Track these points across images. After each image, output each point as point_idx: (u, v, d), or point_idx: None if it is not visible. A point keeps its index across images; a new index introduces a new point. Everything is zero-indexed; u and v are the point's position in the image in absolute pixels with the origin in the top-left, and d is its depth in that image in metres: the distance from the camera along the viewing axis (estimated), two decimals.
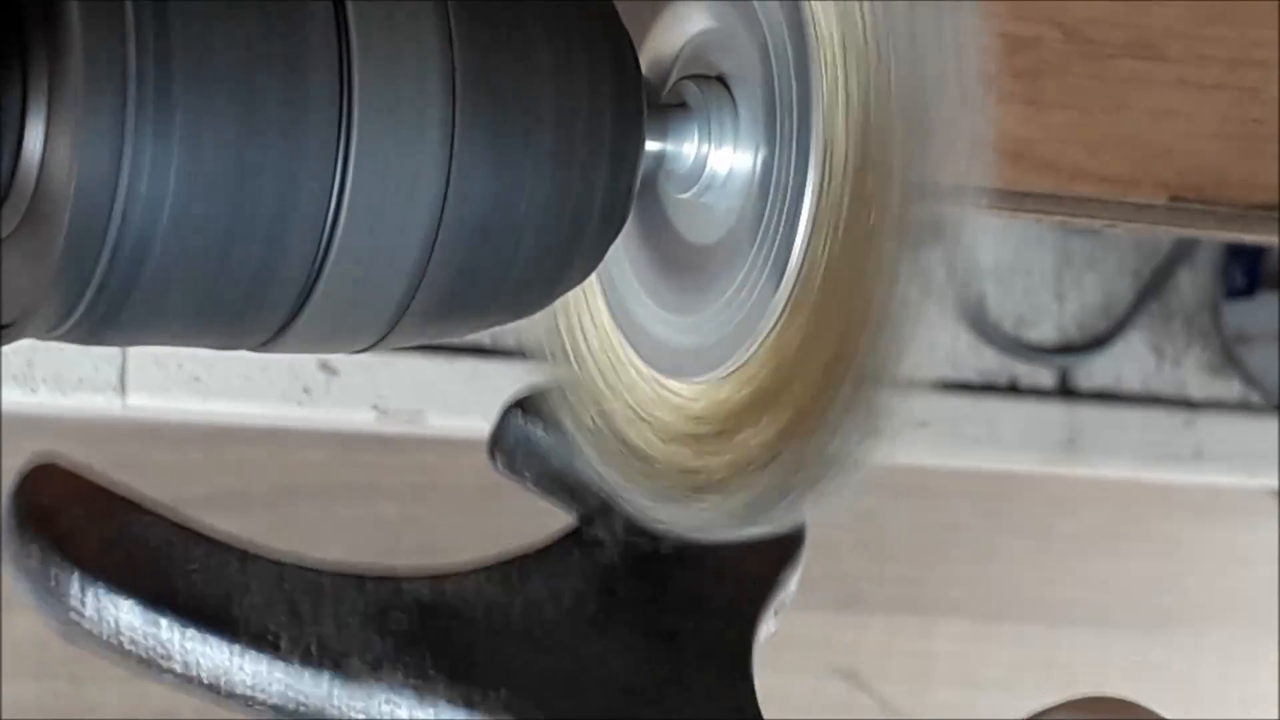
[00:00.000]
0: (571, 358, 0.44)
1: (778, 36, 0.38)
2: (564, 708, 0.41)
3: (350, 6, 0.34)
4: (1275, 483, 1.14)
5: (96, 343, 0.35)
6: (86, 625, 0.41)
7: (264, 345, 0.36)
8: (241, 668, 0.42)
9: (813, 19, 0.37)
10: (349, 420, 1.11)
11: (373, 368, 1.08)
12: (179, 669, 0.42)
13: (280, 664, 0.41)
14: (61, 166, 0.33)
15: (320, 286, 0.35)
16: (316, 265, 0.35)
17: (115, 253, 0.33)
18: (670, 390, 0.41)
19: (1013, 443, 1.10)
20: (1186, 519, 1.28)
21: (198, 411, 1.08)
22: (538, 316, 0.42)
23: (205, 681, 0.42)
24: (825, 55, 0.37)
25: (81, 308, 0.34)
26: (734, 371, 0.39)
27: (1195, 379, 1.16)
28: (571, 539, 0.45)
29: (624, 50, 0.37)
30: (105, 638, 0.41)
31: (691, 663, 0.43)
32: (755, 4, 0.38)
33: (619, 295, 0.42)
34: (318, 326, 0.36)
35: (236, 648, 0.42)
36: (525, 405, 0.47)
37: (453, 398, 0.99)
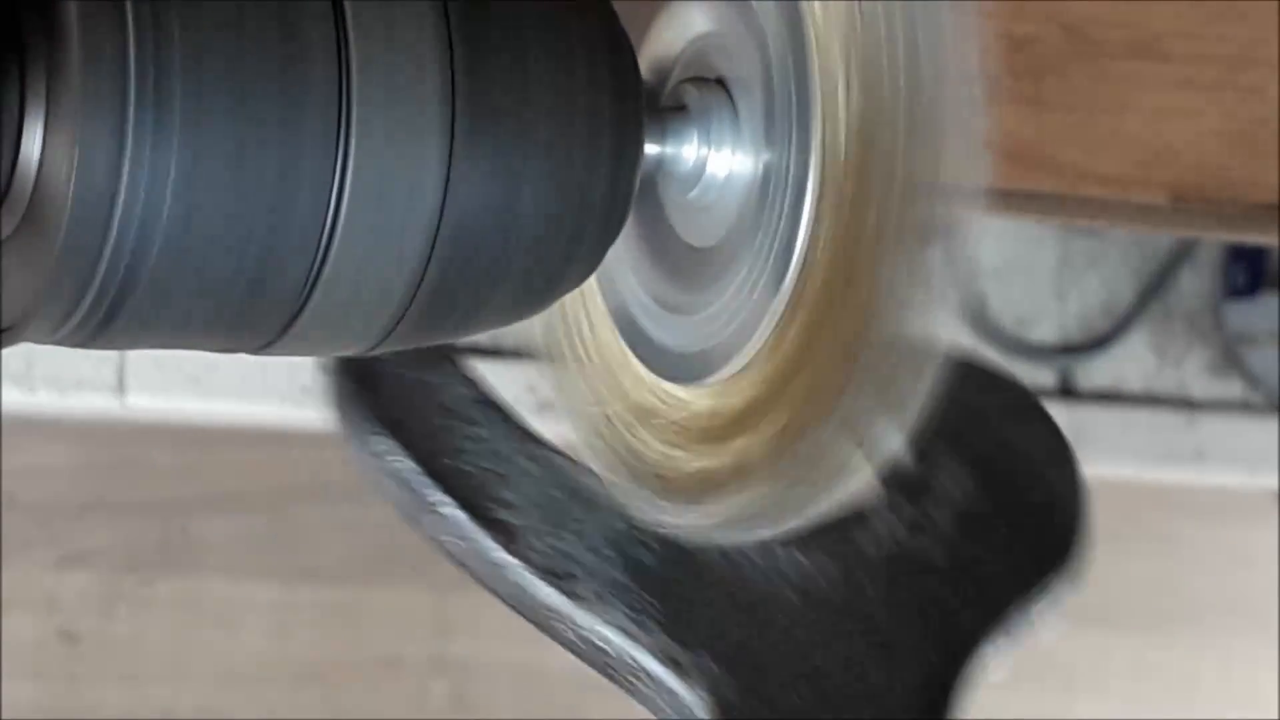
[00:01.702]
0: (571, 360, 0.44)
1: (777, 38, 0.38)
2: (758, 690, 0.40)
3: (349, 8, 0.34)
4: (1276, 483, 1.14)
5: (96, 346, 0.35)
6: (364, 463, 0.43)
7: (263, 348, 0.36)
8: (484, 553, 0.42)
9: (811, 21, 0.37)
10: None
11: None
12: (429, 529, 0.43)
13: (515, 563, 0.42)
14: (60, 169, 0.33)
15: (319, 290, 0.35)
16: (315, 268, 0.35)
17: (114, 256, 0.33)
18: (671, 393, 0.41)
19: None
20: (1187, 519, 1.28)
21: (197, 411, 1.08)
22: (537, 319, 0.42)
23: (450, 551, 0.42)
24: (824, 57, 0.37)
25: (80, 311, 0.34)
26: (735, 374, 0.39)
27: (1196, 379, 1.16)
28: (852, 524, 0.44)
29: (623, 53, 0.37)
30: (381, 477, 0.43)
31: (900, 676, 0.42)
32: (755, 5, 0.38)
33: (619, 298, 0.42)
34: (317, 330, 0.36)
35: (480, 529, 0.42)
36: None
37: None
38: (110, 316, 0.34)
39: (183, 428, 1.16)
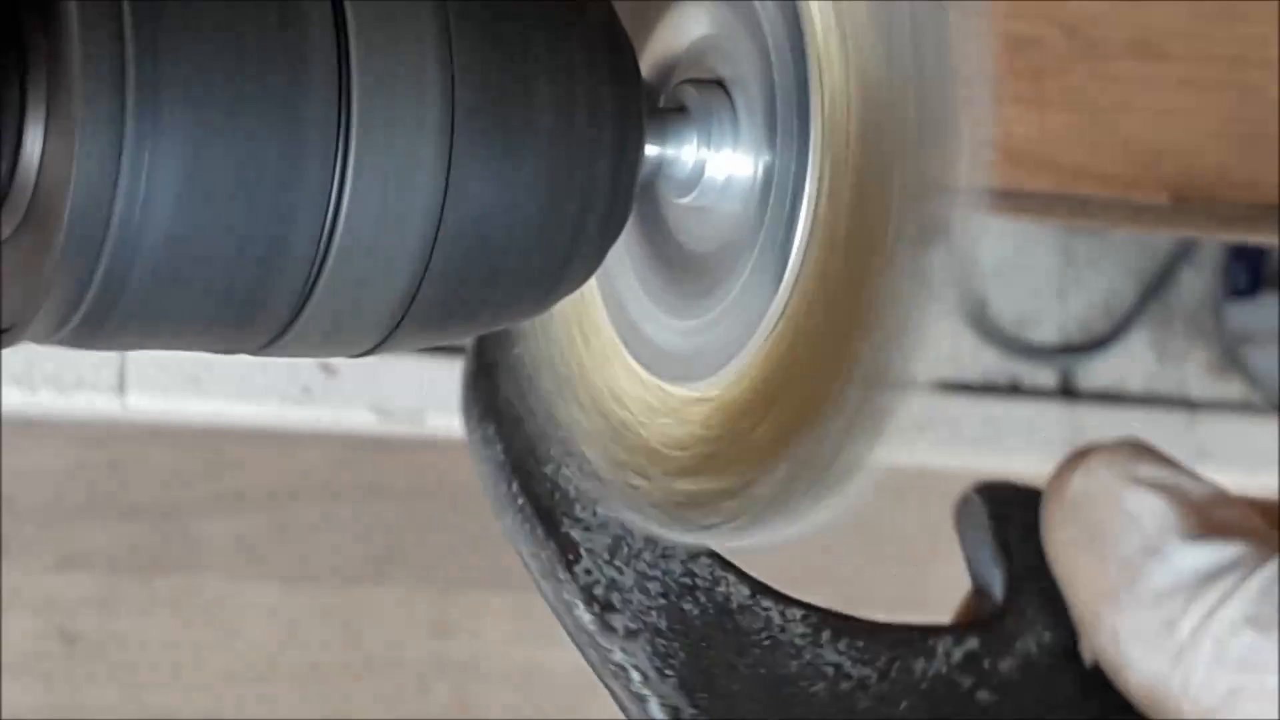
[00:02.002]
0: (569, 363, 0.44)
1: (778, 39, 0.38)
2: None
3: (349, 8, 0.34)
4: (1276, 483, 1.14)
5: (95, 346, 0.35)
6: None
7: (263, 349, 0.36)
8: (545, 563, 0.42)
9: (811, 21, 0.37)
10: (349, 420, 1.11)
11: (373, 368, 1.08)
12: (506, 526, 0.43)
13: (567, 579, 0.41)
14: (60, 170, 0.33)
15: (319, 290, 0.35)
16: (315, 269, 0.35)
17: (113, 257, 0.33)
18: (670, 396, 0.41)
19: (1014, 443, 1.10)
20: None
21: (197, 412, 1.08)
22: (536, 321, 0.42)
23: (519, 551, 0.42)
24: (824, 58, 0.37)
25: (80, 312, 0.34)
26: (735, 376, 0.39)
27: (1197, 379, 1.16)
28: (909, 641, 0.42)
29: (624, 54, 0.37)
30: (480, 464, 0.43)
31: None
32: (756, 6, 0.38)
33: (618, 300, 0.42)
34: (317, 330, 0.36)
35: (548, 538, 0.42)
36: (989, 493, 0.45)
37: (453, 398, 0.99)
38: (109, 317, 0.34)
39: (183, 428, 1.16)
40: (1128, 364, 1.14)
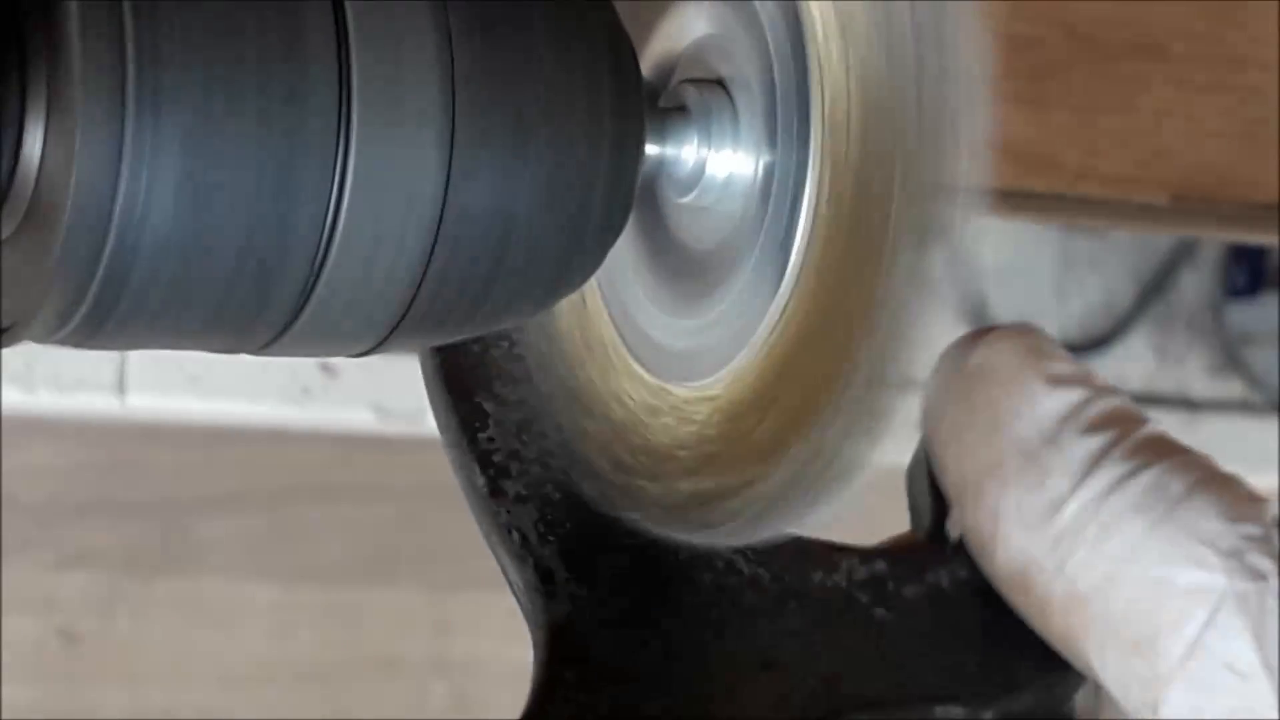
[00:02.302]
0: (570, 363, 0.44)
1: (778, 39, 0.38)
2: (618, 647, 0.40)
3: (350, 8, 0.34)
4: (1276, 483, 1.14)
5: (96, 346, 0.35)
6: None
7: (263, 348, 0.36)
8: (451, 430, 0.43)
9: (812, 20, 0.37)
10: (349, 420, 1.11)
11: (373, 368, 1.08)
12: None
13: (466, 446, 0.42)
14: (60, 169, 0.33)
15: (319, 289, 0.35)
16: (316, 268, 0.35)
17: (113, 256, 0.33)
18: (671, 395, 0.41)
19: None
20: None
21: (197, 411, 1.08)
22: (535, 320, 0.42)
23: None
24: (824, 57, 0.37)
25: (80, 311, 0.34)
26: (735, 375, 0.39)
27: (1197, 379, 1.16)
28: (824, 553, 0.41)
29: (624, 54, 0.37)
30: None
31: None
32: (757, 5, 0.38)
33: (619, 299, 0.42)
34: (317, 329, 0.36)
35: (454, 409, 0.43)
36: None
37: None
38: (110, 317, 0.34)
39: (183, 428, 1.17)
40: (1127, 364, 1.14)
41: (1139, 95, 0.59)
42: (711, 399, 0.39)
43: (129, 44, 0.32)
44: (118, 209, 0.33)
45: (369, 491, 1.25)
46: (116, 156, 0.32)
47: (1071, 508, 0.38)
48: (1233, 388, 1.15)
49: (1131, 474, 0.38)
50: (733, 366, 0.39)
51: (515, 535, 0.41)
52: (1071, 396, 0.39)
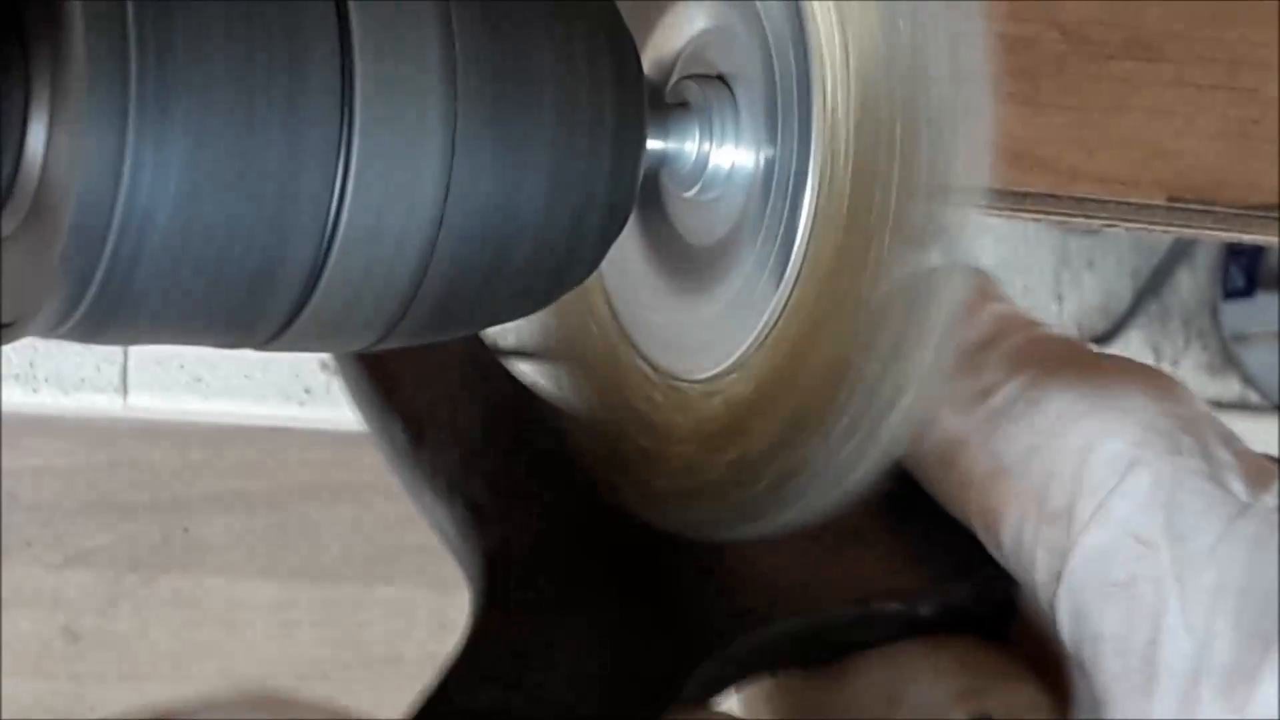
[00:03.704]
0: (573, 357, 0.44)
1: (779, 35, 0.38)
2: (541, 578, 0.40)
3: (352, 6, 0.34)
4: None
5: (98, 341, 0.35)
6: None
7: (266, 344, 0.36)
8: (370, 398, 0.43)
9: (812, 17, 0.37)
10: (349, 420, 1.11)
11: None
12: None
13: (384, 407, 0.43)
14: (63, 167, 0.33)
15: (321, 286, 0.35)
16: (318, 266, 0.35)
17: (116, 252, 0.33)
18: (673, 389, 0.41)
19: None
20: None
21: (198, 411, 1.08)
22: (538, 316, 0.42)
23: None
24: (826, 54, 0.37)
25: (83, 307, 0.34)
26: (736, 370, 0.39)
27: (1194, 379, 1.16)
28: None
29: (626, 50, 0.37)
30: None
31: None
32: (757, 3, 0.39)
33: (621, 294, 0.43)
34: (320, 326, 0.36)
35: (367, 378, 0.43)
36: None
37: None
38: (112, 312, 0.34)
39: (184, 427, 1.17)
40: None
41: (1135, 95, 0.59)
42: (713, 392, 0.40)
43: (132, 42, 0.33)
44: (120, 206, 0.33)
45: (369, 491, 1.25)
46: (119, 154, 0.32)
47: (1005, 390, 0.38)
48: (1230, 387, 1.15)
49: (1064, 365, 0.39)
50: (734, 360, 0.39)
51: (440, 478, 0.42)
52: (1011, 313, 0.40)
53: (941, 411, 0.39)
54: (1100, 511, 0.37)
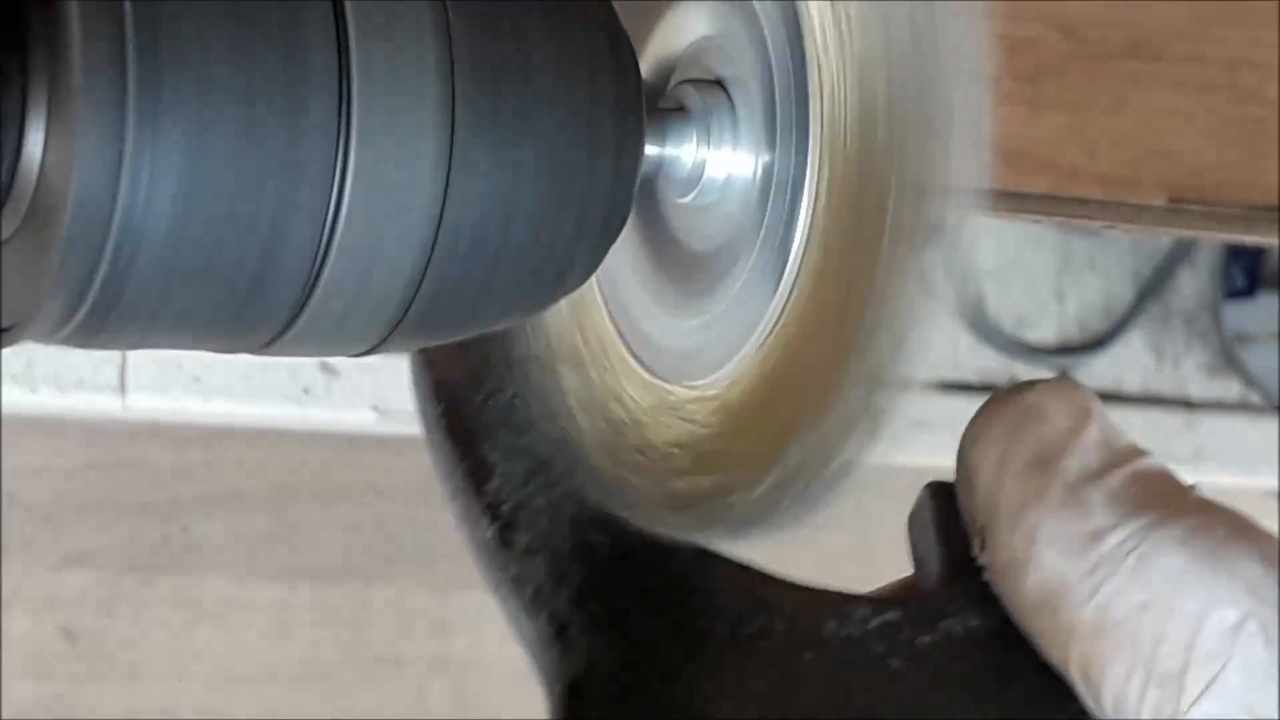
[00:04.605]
0: (569, 363, 0.44)
1: (777, 40, 0.38)
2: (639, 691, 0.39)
3: (350, 7, 0.34)
4: (1275, 483, 1.14)
5: (96, 346, 0.35)
6: None
7: (264, 348, 0.36)
8: (457, 480, 0.42)
9: (810, 21, 0.37)
10: (349, 420, 1.11)
11: (373, 368, 1.08)
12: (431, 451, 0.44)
13: (471, 493, 0.42)
14: (61, 170, 0.33)
15: (320, 289, 0.35)
16: (316, 268, 0.35)
17: (114, 256, 0.33)
18: (670, 394, 0.41)
19: None
20: None
21: (198, 411, 1.08)
22: (536, 319, 0.42)
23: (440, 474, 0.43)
24: (823, 58, 0.37)
25: (81, 311, 0.34)
26: (734, 375, 0.39)
27: (1195, 380, 1.16)
28: (836, 603, 0.41)
29: (624, 54, 0.37)
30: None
31: None
32: (755, 6, 0.38)
33: (618, 299, 0.42)
34: (318, 329, 0.36)
35: (460, 460, 0.42)
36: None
37: None
38: (111, 317, 0.34)
39: (183, 428, 1.17)
40: (1126, 364, 1.14)
41: (1136, 96, 0.59)
42: (710, 398, 0.39)
43: (129, 45, 0.32)
44: (118, 210, 0.33)
45: (369, 491, 1.25)
46: (117, 158, 0.32)
47: (1113, 538, 0.38)
48: (1230, 388, 1.15)
49: (1174, 515, 0.38)
50: (731, 366, 0.39)
51: (530, 588, 0.41)
52: (1115, 441, 0.39)
53: (1045, 550, 0.39)
54: (1215, 684, 0.37)
